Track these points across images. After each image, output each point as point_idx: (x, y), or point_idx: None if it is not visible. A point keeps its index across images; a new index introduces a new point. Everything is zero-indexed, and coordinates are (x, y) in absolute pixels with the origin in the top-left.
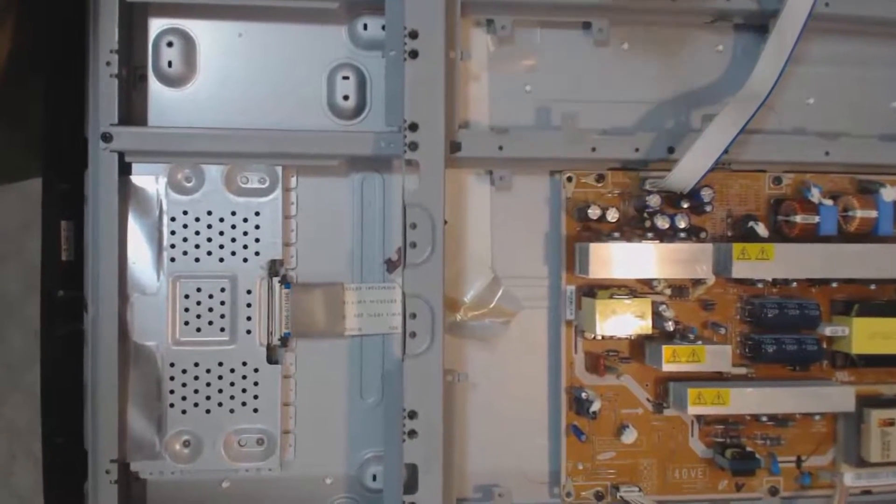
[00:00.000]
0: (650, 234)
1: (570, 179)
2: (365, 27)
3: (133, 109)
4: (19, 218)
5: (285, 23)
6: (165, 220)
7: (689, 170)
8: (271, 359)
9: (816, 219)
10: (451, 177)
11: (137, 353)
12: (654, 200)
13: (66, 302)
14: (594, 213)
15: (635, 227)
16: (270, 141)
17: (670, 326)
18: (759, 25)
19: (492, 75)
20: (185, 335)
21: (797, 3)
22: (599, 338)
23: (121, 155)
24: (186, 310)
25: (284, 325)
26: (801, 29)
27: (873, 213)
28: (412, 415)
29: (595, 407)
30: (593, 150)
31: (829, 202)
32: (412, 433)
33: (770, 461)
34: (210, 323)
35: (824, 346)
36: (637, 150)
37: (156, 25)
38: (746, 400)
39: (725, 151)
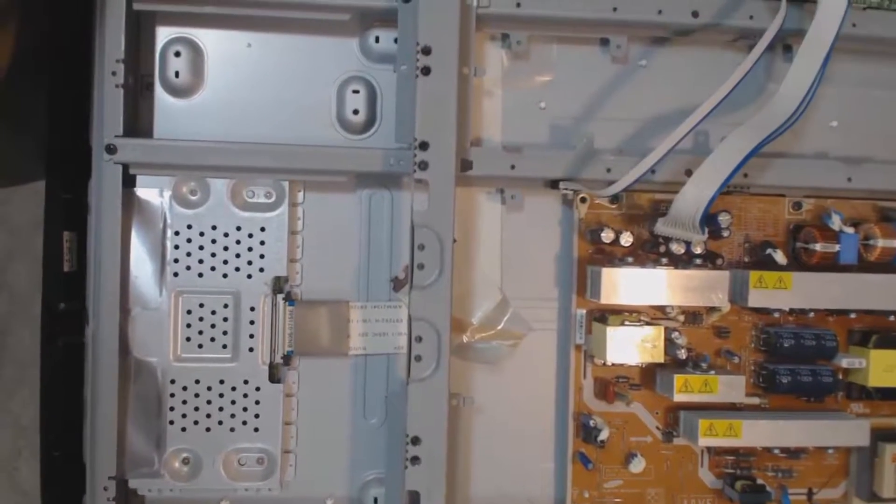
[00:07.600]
0: (664, 260)
1: (583, 200)
2: (377, 40)
3: (139, 119)
4: (28, 215)
5: (295, 34)
6: (169, 233)
7: (693, 197)
8: (273, 377)
9: (837, 247)
10: (462, 194)
11: (138, 369)
12: None
13: (67, 313)
14: (607, 236)
15: (649, 251)
16: (277, 155)
17: (683, 354)
18: (783, 45)
19: (505, 91)
20: (187, 351)
21: (824, 23)
22: (609, 364)
23: (125, 167)
24: (188, 326)
25: (288, 343)
26: (828, 51)
27: (895, 243)
28: (415, 441)
29: (603, 436)
30: (608, 170)
31: (849, 230)
32: (415, 459)
33: (781, 494)
34: (212, 339)
35: (840, 377)
36: (653, 171)
37: (163, 34)
38: (759, 432)
39: (731, 177)
